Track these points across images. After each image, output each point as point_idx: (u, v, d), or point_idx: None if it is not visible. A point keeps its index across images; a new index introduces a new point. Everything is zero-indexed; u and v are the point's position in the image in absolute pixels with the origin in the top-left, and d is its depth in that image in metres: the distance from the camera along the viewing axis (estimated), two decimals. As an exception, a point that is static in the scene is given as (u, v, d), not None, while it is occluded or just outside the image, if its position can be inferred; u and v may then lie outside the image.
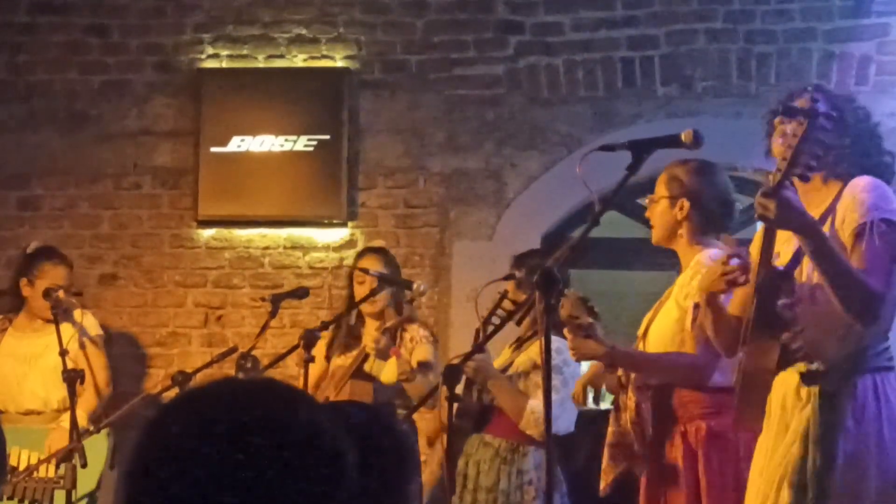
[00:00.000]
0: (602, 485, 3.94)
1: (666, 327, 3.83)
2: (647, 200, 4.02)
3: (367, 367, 5.11)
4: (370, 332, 5.12)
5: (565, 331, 3.81)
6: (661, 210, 3.95)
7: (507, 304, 4.84)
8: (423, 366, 5.13)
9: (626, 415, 3.82)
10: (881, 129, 3.27)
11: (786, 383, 3.15)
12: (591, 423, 4.76)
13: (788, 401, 3.13)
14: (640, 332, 3.95)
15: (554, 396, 4.52)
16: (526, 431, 4.59)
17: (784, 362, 3.14)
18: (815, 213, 3.16)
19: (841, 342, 3.06)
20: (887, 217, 3.05)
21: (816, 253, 3.02)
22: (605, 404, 4.98)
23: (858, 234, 3.05)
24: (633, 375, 3.82)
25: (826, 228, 3.11)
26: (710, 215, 3.93)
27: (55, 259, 5.58)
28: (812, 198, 3.18)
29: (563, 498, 4.70)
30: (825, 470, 3.02)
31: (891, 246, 3.04)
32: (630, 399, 3.81)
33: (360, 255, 5.51)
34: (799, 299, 3.11)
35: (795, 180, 3.14)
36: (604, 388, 4.70)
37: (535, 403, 4.56)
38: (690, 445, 3.72)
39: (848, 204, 3.10)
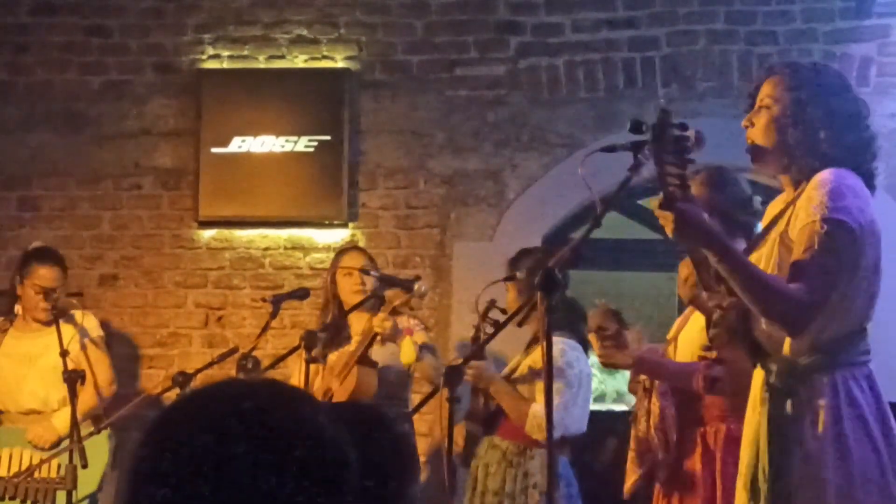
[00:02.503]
0: (626, 485, 3.95)
1: (694, 334, 3.84)
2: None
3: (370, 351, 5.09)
4: (367, 318, 5.08)
5: (591, 339, 3.82)
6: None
7: (495, 312, 4.85)
8: (425, 347, 5.12)
9: (651, 420, 3.82)
10: (861, 108, 3.07)
11: (756, 380, 3.08)
12: (615, 423, 4.76)
13: (756, 399, 3.09)
14: (671, 335, 3.95)
15: (557, 399, 4.56)
16: (532, 436, 4.58)
17: (754, 357, 3.09)
18: (779, 208, 3.10)
19: (798, 339, 2.94)
20: (832, 216, 2.86)
21: (720, 265, 2.90)
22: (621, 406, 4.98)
23: (801, 235, 2.89)
24: (656, 382, 3.83)
25: (783, 226, 3.01)
26: (731, 222, 3.91)
27: (46, 261, 5.53)
28: (789, 193, 3.12)
29: (575, 500, 4.69)
30: (778, 473, 2.94)
31: (831, 249, 2.85)
32: (654, 405, 3.81)
33: (339, 253, 5.49)
34: (731, 295, 3.01)
35: (779, 174, 3.11)
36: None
37: (538, 408, 4.55)
38: (709, 447, 3.74)
39: (802, 201, 2.95)
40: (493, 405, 4.74)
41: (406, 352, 5.01)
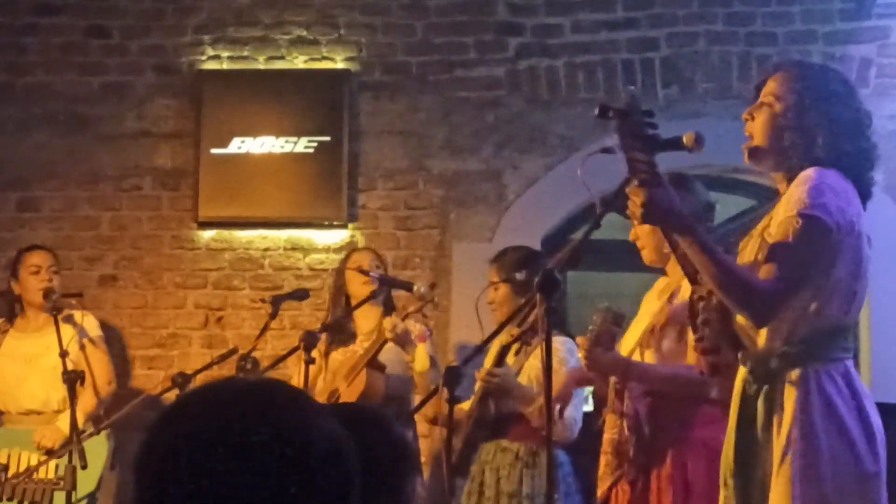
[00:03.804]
0: (599, 492, 3.94)
1: (640, 327, 3.86)
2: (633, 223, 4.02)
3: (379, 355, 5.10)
4: (375, 321, 5.09)
5: (581, 340, 3.81)
6: (648, 230, 3.95)
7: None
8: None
9: (623, 422, 3.82)
10: (863, 117, 3.08)
11: (740, 379, 3.09)
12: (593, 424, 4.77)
13: (737, 396, 3.10)
14: (634, 341, 3.93)
15: (574, 400, 4.59)
16: (553, 439, 4.56)
17: (735, 351, 3.10)
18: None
19: (772, 334, 2.96)
20: (809, 212, 2.88)
21: (690, 251, 2.93)
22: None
23: (778, 230, 2.92)
24: (629, 384, 3.83)
25: (766, 222, 3.02)
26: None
27: (33, 248, 5.70)
28: (782, 193, 3.14)
29: (576, 496, 4.70)
30: (744, 467, 2.97)
31: (803, 244, 2.88)
32: (627, 406, 3.81)
33: (351, 251, 5.55)
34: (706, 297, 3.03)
35: (778, 174, 3.12)
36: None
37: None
38: (680, 454, 3.74)
39: (784, 199, 2.98)
40: (506, 410, 4.72)
41: (420, 360, 5.03)
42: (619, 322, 3.80)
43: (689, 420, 3.75)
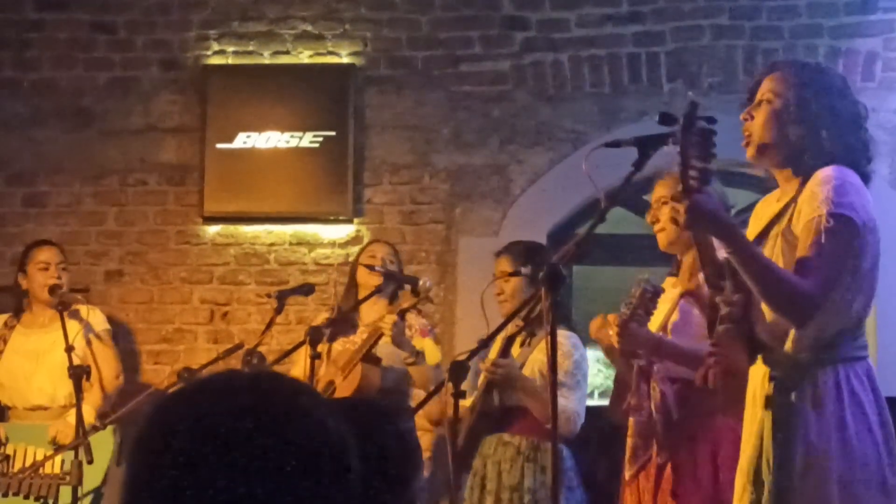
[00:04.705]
0: (626, 475, 3.97)
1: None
2: (655, 204, 4.02)
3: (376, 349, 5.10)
4: (379, 314, 5.11)
5: (614, 317, 3.78)
6: (669, 214, 3.95)
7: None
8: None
9: (650, 404, 3.83)
10: (861, 110, 3.11)
11: (756, 376, 3.11)
12: (595, 417, 4.77)
13: (757, 393, 3.11)
14: (656, 327, 3.94)
15: (578, 393, 4.61)
16: (559, 431, 4.57)
17: (752, 353, 3.12)
18: (779, 206, 3.13)
19: (801, 334, 2.98)
20: (838, 212, 2.91)
21: (733, 255, 2.95)
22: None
23: (806, 230, 2.94)
24: (656, 366, 3.84)
25: (784, 222, 3.06)
26: None
27: (42, 244, 5.70)
28: (785, 189, 3.15)
29: (578, 489, 4.70)
30: (781, 464, 2.98)
31: (837, 243, 2.91)
32: (654, 389, 3.83)
33: (365, 246, 5.56)
34: (736, 292, 3.04)
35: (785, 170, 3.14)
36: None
37: (564, 403, 4.56)
38: (707, 439, 3.75)
39: (805, 197, 2.99)
40: (510, 403, 4.72)
41: (430, 353, 5.04)
42: (656, 297, 3.77)
43: (716, 403, 3.76)
